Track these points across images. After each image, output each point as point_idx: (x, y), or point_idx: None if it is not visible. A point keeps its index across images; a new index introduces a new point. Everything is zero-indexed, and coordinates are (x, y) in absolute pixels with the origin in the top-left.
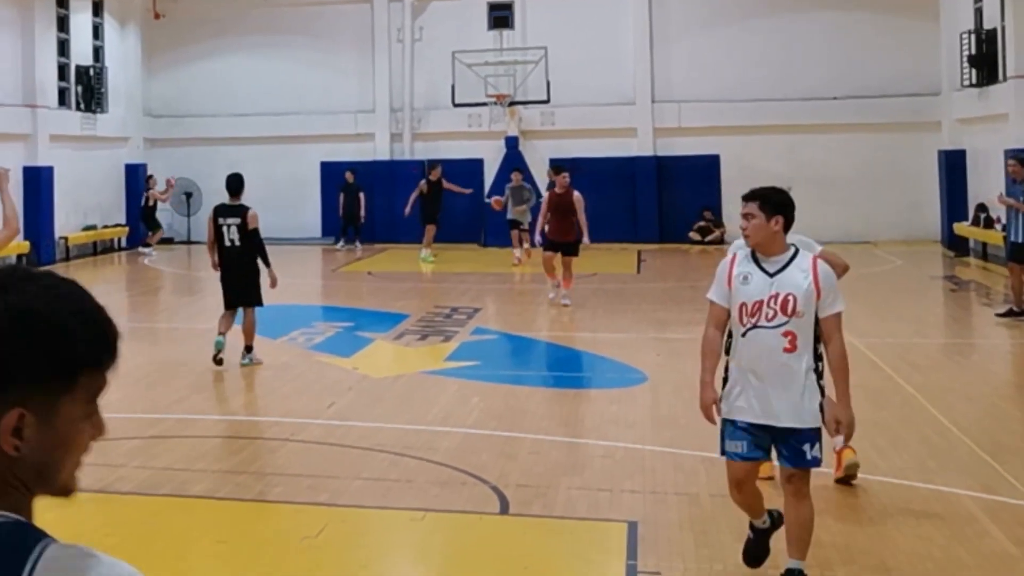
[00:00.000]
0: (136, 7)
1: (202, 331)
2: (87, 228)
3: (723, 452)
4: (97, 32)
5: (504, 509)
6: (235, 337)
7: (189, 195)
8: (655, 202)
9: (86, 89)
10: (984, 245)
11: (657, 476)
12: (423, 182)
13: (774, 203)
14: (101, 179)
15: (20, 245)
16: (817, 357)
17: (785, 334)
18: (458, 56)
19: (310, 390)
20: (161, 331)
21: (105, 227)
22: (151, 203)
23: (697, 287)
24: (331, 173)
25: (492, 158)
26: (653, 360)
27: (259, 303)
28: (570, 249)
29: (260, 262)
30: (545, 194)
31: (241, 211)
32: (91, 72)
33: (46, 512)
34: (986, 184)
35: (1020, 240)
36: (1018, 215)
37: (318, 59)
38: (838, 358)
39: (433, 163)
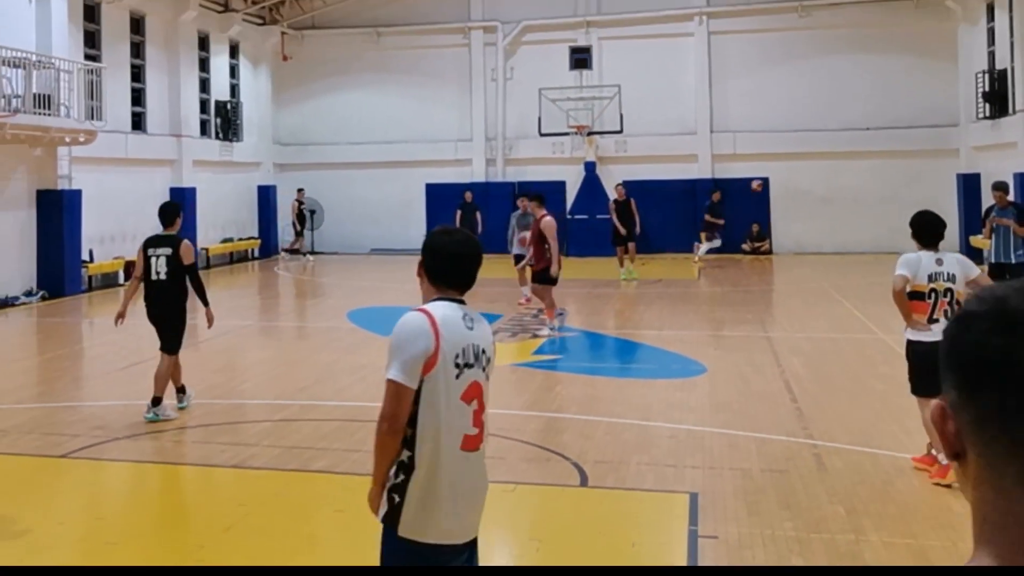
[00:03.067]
0: (267, 50)
1: (323, 329)
2: (224, 240)
3: None
4: (233, 72)
5: (583, 482)
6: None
7: (312, 212)
8: None
9: (224, 121)
10: None
11: (715, 453)
12: (611, 203)
13: (423, 252)
14: (236, 198)
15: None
16: (404, 441)
17: None
18: (544, 92)
19: None
20: (286, 329)
21: (240, 240)
22: (296, 213)
23: (749, 291)
24: (434, 193)
25: (573, 181)
26: (711, 354)
27: (174, 350)
28: (537, 277)
29: (189, 303)
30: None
31: (174, 242)
32: (228, 106)
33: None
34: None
35: (998, 261)
36: (1006, 237)
37: (423, 94)
38: None
39: (625, 182)
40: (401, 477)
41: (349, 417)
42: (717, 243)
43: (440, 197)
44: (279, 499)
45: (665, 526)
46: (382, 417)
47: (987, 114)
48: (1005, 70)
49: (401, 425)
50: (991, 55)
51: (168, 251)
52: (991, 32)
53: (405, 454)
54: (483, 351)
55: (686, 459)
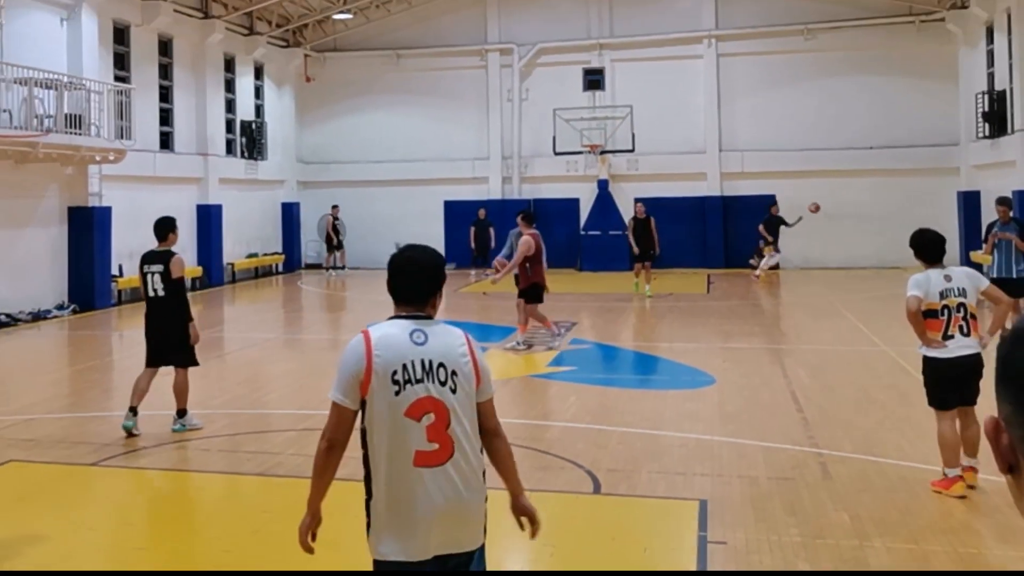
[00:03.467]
0: (291, 72)
1: (345, 342)
2: (250, 256)
3: None
4: (258, 92)
5: (596, 489)
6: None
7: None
8: (721, 234)
9: (249, 140)
10: None
11: (723, 462)
12: (630, 220)
13: None
14: (261, 215)
15: (194, 269)
16: (364, 460)
17: None
18: (558, 112)
19: None
20: (309, 341)
21: (264, 255)
22: (331, 228)
23: (756, 305)
24: (452, 210)
25: (586, 198)
26: (720, 365)
27: (191, 362)
28: (521, 294)
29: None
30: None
31: (165, 257)
32: (253, 126)
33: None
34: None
35: (1000, 276)
36: (1008, 252)
37: (442, 115)
38: None
39: (639, 199)
40: (366, 495)
41: None
42: (777, 257)
43: (458, 214)
44: (303, 506)
45: (675, 532)
46: (321, 435)
47: (987, 133)
48: (1004, 91)
49: (337, 443)
50: (990, 76)
51: (160, 268)
52: (990, 54)
53: (364, 472)
54: (439, 364)
55: (696, 467)
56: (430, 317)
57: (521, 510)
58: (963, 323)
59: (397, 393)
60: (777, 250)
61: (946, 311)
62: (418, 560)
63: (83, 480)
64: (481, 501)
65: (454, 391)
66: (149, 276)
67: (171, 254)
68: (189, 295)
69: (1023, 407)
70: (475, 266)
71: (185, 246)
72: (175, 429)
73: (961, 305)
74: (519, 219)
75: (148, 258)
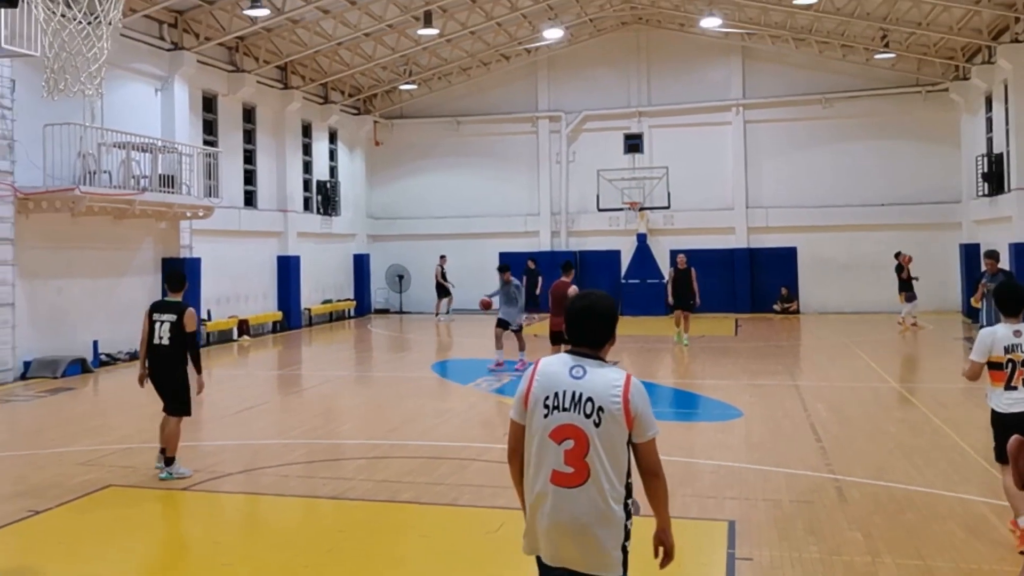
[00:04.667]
0: (361, 137)
1: (410, 379)
2: (325, 301)
3: None
4: (332, 155)
5: (636, 512)
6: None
7: (400, 277)
8: (748, 282)
9: (324, 198)
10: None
11: (750, 487)
12: (671, 270)
13: None
14: (335, 265)
15: (274, 314)
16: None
17: None
18: (601, 173)
19: (491, 423)
20: (378, 378)
21: (338, 301)
22: (440, 276)
23: (780, 347)
24: (506, 260)
25: (627, 250)
26: (747, 400)
27: (185, 412)
28: (560, 338)
29: (191, 367)
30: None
31: (179, 308)
32: (328, 185)
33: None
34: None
35: (991, 323)
36: (991, 305)
37: (496, 175)
38: None
39: (677, 252)
40: None
41: (433, 455)
42: (912, 304)
43: (511, 264)
44: (373, 526)
45: (707, 550)
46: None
47: (985, 192)
48: (1001, 154)
49: (513, 452)
50: (989, 141)
51: (173, 318)
52: (989, 121)
53: None
54: (588, 399)
55: (725, 491)
56: (600, 358)
57: (657, 540)
58: None
59: (546, 416)
60: (913, 297)
61: (1010, 364)
62: (549, 565)
63: (175, 503)
64: (613, 534)
65: (597, 424)
66: (158, 324)
67: (185, 306)
68: (269, 337)
69: None
70: (527, 311)
71: (267, 293)
72: (162, 477)
73: None
74: (508, 275)
75: (160, 307)
